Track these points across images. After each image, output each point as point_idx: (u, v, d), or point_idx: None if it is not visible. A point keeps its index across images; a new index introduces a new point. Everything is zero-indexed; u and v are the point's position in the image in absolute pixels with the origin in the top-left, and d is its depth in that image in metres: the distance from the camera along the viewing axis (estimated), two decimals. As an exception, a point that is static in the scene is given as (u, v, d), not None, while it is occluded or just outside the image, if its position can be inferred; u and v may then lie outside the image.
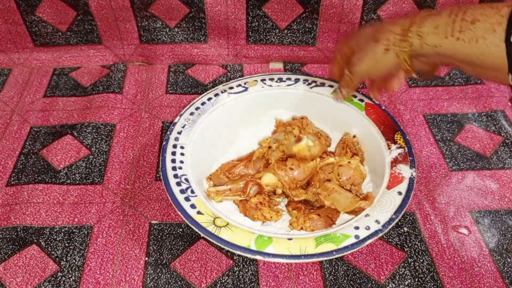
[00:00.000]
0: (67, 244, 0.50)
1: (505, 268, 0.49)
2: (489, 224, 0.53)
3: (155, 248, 0.50)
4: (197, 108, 0.55)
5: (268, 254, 0.41)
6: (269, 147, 0.54)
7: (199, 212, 0.44)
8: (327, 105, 0.59)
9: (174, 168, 0.49)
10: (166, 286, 0.47)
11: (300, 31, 0.73)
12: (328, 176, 0.51)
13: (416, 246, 0.51)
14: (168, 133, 0.52)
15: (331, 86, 0.59)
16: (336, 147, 0.59)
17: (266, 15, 0.72)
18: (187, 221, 0.44)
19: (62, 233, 0.52)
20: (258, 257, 0.41)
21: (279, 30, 0.73)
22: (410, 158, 0.51)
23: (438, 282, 0.48)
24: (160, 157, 0.49)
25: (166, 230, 0.52)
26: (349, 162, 0.52)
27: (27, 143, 0.62)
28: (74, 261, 0.49)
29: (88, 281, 0.47)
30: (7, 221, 0.52)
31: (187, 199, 0.46)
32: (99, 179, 0.57)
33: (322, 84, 0.59)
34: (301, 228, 0.48)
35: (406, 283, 0.48)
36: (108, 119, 0.65)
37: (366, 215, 0.45)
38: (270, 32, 0.74)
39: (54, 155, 0.60)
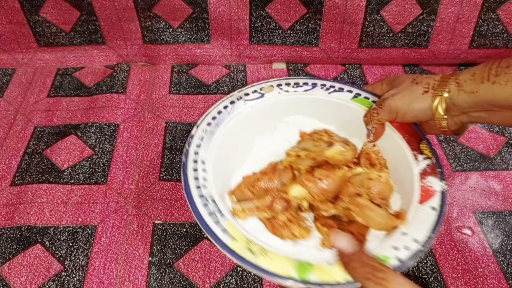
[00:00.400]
0: (71, 244, 0.51)
1: (509, 269, 0.49)
2: (492, 225, 0.53)
3: (158, 248, 0.50)
4: (214, 118, 0.52)
5: (314, 284, 0.38)
6: (298, 156, 0.51)
7: (233, 238, 0.41)
8: (347, 112, 0.56)
9: (198, 187, 0.45)
10: (170, 286, 0.47)
11: (303, 31, 0.73)
12: (358, 190, 0.49)
13: (419, 246, 0.51)
14: (187, 146, 0.48)
15: (350, 91, 0.56)
16: (359, 157, 0.56)
17: (270, 16, 0.72)
18: (220, 248, 0.40)
19: (66, 232, 0.52)
20: (300, 285, 0.39)
21: (282, 31, 0.73)
22: (439, 170, 0.48)
23: (442, 283, 0.48)
24: (181, 173, 0.45)
25: (169, 230, 0.52)
26: (379, 176, 0.50)
27: (31, 143, 0.62)
28: (78, 260, 0.49)
29: (92, 280, 0.47)
30: (12, 220, 0.53)
31: (217, 223, 0.42)
32: (102, 179, 0.57)
33: (341, 89, 0.57)
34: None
35: (410, 283, 0.47)
36: (111, 119, 0.66)
37: (403, 233, 0.42)
38: (273, 33, 0.74)
39: (58, 155, 0.60)
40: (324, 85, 0.57)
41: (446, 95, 0.43)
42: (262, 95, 0.55)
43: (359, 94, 0.56)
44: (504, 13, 0.69)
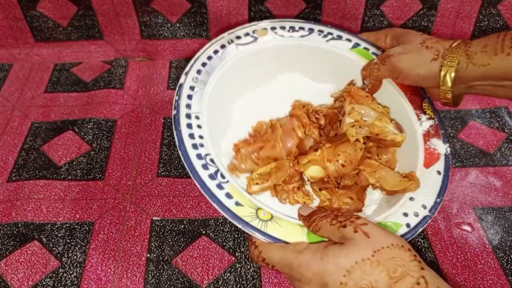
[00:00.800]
0: (68, 240, 0.50)
1: (508, 265, 0.49)
2: (492, 221, 0.53)
3: (156, 244, 0.50)
4: (204, 64, 0.47)
5: None
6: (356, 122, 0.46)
7: (238, 203, 0.37)
8: (347, 64, 0.53)
9: (195, 146, 0.40)
10: (168, 282, 0.47)
11: (303, 26, 0.73)
12: (368, 154, 0.47)
13: (419, 243, 0.51)
14: (176, 97, 0.43)
15: (348, 40, 0.53)
16: (337, 98, 0.52)
17: (269, 10, 0.71)
18: (225, 215, 0.37)
19: (64, 229, 0.51)
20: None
21: (281, 26, 0.73)
22: (442, 131, 0.47)
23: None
24: (175, 131, 0.40)
25: (167, 227, 0.52)
26: (395, 146, 0.47)
27: (28, 138, 0.62)
28: (75, 257, 0.49)
29: (89, 277, 0.47)
30: (8, 217, 0.52)
31: (219, 186, 0.38)
32: (100, 175, 0.57)
33: (339, 37, 0.53)
34: None
35: (409, 280, 0.47)
36: (109, 114, 0.65)
37: (411, 199, 0.42)
38: (272, 28, 0.73)
39: (55, 151, 0.60)
40: (322, 31, 0.53)
41: (454, 66, 0.42)
42: (255, 39, 0.51)
43: (358, 44, 0.53)
44: (505, 8, 0.69)
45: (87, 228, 0.51)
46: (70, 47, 0.75)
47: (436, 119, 0.48)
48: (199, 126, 0.42)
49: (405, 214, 0.40)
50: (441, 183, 0.43)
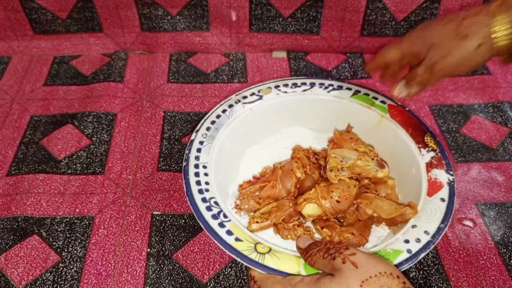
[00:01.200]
0: (68, 235, 0.50)
1: (511, 261, 0.48)
2: (494, 217, 0.52)
3: (157, 239, 0.50)
4: (213, 122, 0.52)
5: None
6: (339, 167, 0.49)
7: (237, 239, 0.41)
8: (348, 110, 0.56)
9: (200, 191, 0.45)
10: (169, 277, 0.47)
11: (304, 19, 0.72)
12: (366, 190, 0.50)
13: (421, 238, 0.50)
14: (187, 152, 0.48)
15: (349, 88, 0.57)
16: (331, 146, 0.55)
17: (270, 3, 0.70)
18: (225, 250, 0.41)
19: (63, 223, 0.51)
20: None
21: (282, 18, 0.72)
22: (445, 161, 0.48)
23: (443, 274, 0.47)
24: (184, 180, 0.45)
25: (168, 221, 0.51)
26: (384, 182, 0.50)
27: (27, 132, 0.61)
28: (75, 252, 0.49)
29: (89, 272, 0.47)
30: (8, 211, 0.52)
31: (221, 225, 0.42)
32: (100, 169, 0.57)
33: (340, 87, 0.57)
34: None
35: (411, 275, 0.47)
36: (109, 108, 0.65)
37: (413, 226, 0.43)
38: (274, 20, 0.72)
39: (55, 144, 0.60)
40: (323, 84, 0.57)
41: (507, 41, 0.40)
42: (261, 97, 0.55)
43: (358, 91, 0.56)
44: (509, 1, 0.68)
45: (87, 222, 0.51)
46: (69, 39, 0.74)
47: (438, 151, 0.50)
48: (206, 174, 0.47)
49: (407, 241, 0.41)
50: (446, 208, 0.44)
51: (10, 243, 0.49)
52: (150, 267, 0.47)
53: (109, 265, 0.48)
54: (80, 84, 0.69)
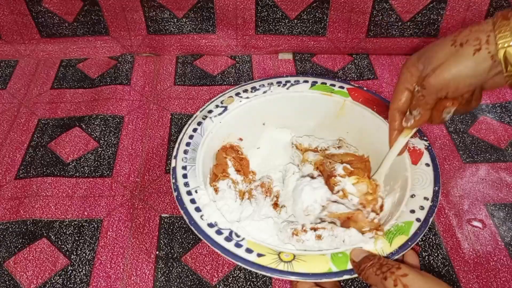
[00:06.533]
0: (77, 238, 0.50)
1: (522, 263, 0.48)
2: (504, 217, 0.52)
3: (165, 241, 0.50)
4: (188, 144, 0.51)
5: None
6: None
7: (259, 255, 0.40)
8: (311, 101, 0.57)
9: (203, 217, 0.43)
10: (178, 280, 0.47)
11: (310, 21, 0.72)
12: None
13: (430, 239, 0.50)
14: (173, 180, 0.46)
15: (306, 81, 0.57)
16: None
17: (276, 5, 0.70)
18: (251, 269, 0.39)
19: (72, 226, 0.51)
20: (346, 277, 0.39)
21: (288, 20, 0.72)
22: (416, 129, 0.49)
23: (454, 276, 0.47)
24: (181, 210, 0.43)
25: (176, 224, 0.51)
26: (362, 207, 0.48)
27: (35, 135, 0.62)
28: (84, 255, 0.49)
29: (98, 275, 0.47)
30: (17, 214, 0.52)
31: (237, 245, 0.40)
32: (108, 172, 0.57)
33: (297, 82, 0.57)
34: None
35: (421, 277, 0.47)
36: (116, 111, 0.65)
37: (412, 196, 0.44)
38: (280, 22, 0.72)
39: (63, 147, 0.60)
40: (280, 82, 0.58)
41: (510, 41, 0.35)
42: (226, 108, 0.55)
43: (315, 82, 0.57)
44: (516, 1, 0.68)
45: (96, 225, 0.51)
46: (76, 43, 0.75)
47: None
48: (200, 199, 0.45)
49: (412, 211, 0.43)
50: (433, 172, 0.46)
51: (19, 246, 0.49)
52: (159, 270, 0.47)
53: (118, 268, 0.48)
54: (87, 87, 0.69)
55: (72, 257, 0.48)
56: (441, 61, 0.39)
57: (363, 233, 0.43)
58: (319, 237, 0.45)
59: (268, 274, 0.39)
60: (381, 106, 0.54)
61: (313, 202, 0.48)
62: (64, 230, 0.51)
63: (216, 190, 0.49)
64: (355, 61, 0.74)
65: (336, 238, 0.43)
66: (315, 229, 0.45)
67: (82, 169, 0.57)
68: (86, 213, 0.52)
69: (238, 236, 0.42)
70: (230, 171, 0.52)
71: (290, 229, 0.46)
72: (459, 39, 0.38)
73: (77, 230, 0.51)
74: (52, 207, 0.53)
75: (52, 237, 0.50)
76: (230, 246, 0.40)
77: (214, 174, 0.52)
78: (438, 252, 0.49)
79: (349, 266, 0.39)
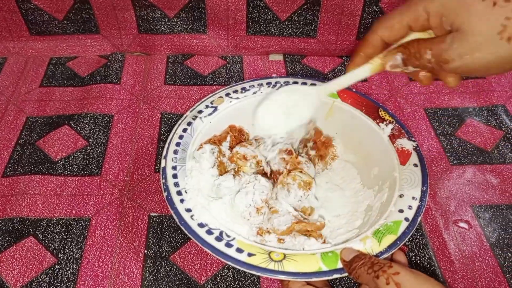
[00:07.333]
0: (64, 236, 0.50)
1: (506, 263, 0.49)
2: (490, 219, 0.53)
3: (154, 240, 0.50)
4: (178, 144, 0.51)
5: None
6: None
7: (250, 254, 0.40)
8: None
9: (193, 218, 0.43)
10: (166, 279, 0.47)
11: (301, 22, 0.72)
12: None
13: (417, 240, 0.51)
14: (163, 180, 0.46)
15: (295, 82, 0.58)
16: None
17: (267, 6, 0.71)
18: (241, 268, 0.39)
19: (60, 225, 0.51)
20: (336, 276, 0.39)
21: (279, 22, 0.72)
22: (404, 130, 0.51)
23: (440, 276, 0.47)
24: (172, 210, 0.43)
25: (165, 223, 0.51)
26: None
27: (23, 133, 0.61)
28: (72, 253, 0.48)
29: (86, 273, 0.47)
30: (3, 212, 0.52)
31: (228, 245, 0.41)
32: (97, 171, 0.56)
33: (286, 83, 0.58)
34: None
35: (407, 277, 0.47)
36: (106, 109, 0.64)
37: (401, 196, 0.45)
38: (271, 24, 0.73)
39: (51, 146, 0.59)
40: (270, 83, 0.59)
41: None
42: (215, 108, 0.55)
43: (305, 83, 0.58)
44: None
45: (84, 224, 0.51)
46: (65, 41, 0.74)
47: (395, 122, 0.53)
48: (191, 199, 0.45)
49: (401, 211, 0.44)
50: (421, 172, 0.47)
51: (6, 244, 0.49)
52: (147, 269, 0.47)
53: (106, 266, 0.47)
54: (76, 86, 0.69)
55: (59, 256, 0.48)
56: (472, 49, 0.30)
57: (323, 242, 0.45)
58: (280, 240, 0.45)
59: (259, 274, 0.39)
60: (370, 107, 0.54)
61: (247, 206, 0.48)
62: (52, 229, 0.50)
63: (199, 148, 0.52)
64: (345, 63, 0.75)
65: (296, 245, 0.44)
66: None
67: (70, 167, 0.57)
68: (74, 212, 0.52)
69: (228, 236, 0.42)
70: (224, 144, 0.54)
71: (255, 228, 0.46)
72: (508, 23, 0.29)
73: (65, 229, 0.50)
74: (40, 205, 0.52)
75: (39, 235, 0.50)
76: (220, 246, 0.41)
77: (208, 139, 0.54)
78: (425, 252, 0.50)
79: (339, 265, 0.39)
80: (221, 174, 0.52)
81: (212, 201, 0.48)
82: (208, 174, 0.50)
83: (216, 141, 0.55)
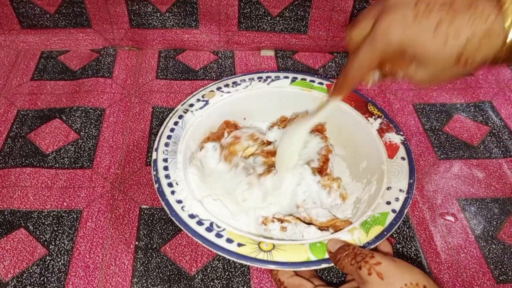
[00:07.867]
0: (55, 228, 0.50)
1: (490, 254, 0.50)
2: (475, 212, 0.54)
3: (145, 232, 0.50)
4: (169, 137, 0.51)
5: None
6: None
7: (240, 244, 0.40)
8: (292, 97, 0.58)
9: (184, 209, 0.44)
10: (157, 270, 0.47)
11: (292, 18, 0.73)
12: None
13: (404, 232, 0.52)
14: (154, 172, 0.46)
15: (286, 77, 0.59)
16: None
17: (259, 2, 0.71)
18: (231, 258, 0.40)
19: (51, 217, 0.51)
20: (324, 265, 0.40)
21: (271, 17, 0.73)
22: (393, 124, 0.53)
23: (426, 267, 0.49)
24: (162, 202, 0.44)
25: (156, 215, 0.52)
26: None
27: (14, 126, 0.61)
28: (63, 245, 0.49)
29: (77, 265, 0.47)
30: (-6, 204, 0.52)
31: (218, 235, 0.41)
32: (88, 164, 0.57)
33: (277, 78, 0.59)
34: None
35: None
36: (97, 103, 0.65)
37: (388, 188, 0.46)
38: (262, 19, 0.73)
39: (42, 138, 0.59)
40: (261, 77, 0.59)
41: None
42: (207, 102, 0.56)
43: (295, 78, 0.59)
44: None
45: (75, 216, 0.51)
46: (57, 34, 0.74)
47: (383, 116, 0.54)
48: (182, 190, 0.46)
49: (388, 203, 0.45)
50: (408, 165, 0.48)
51: (-3, 236, 0.49)
52: (138, 260, 0.48)
53: (97, 258, 0.48)
54: (68, 79, 0.69)
55: (50, 247, 0.48)
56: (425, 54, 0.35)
57: (321, 229, 0.45)
58: (283, 228, 0.46)
59: (249, 263, 0.39)
60: (359, 102, 0.55)
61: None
62: (43, 221, 0.51)
63: (201, 148, 0.53)
64: (336, 59, 0.76)
65: (296, 233, 0.45)
66: (281, 221, 0.47)
67: (62, 160, 0.57)
68: (65, 204, 0.52)
69: (218, 226, 0.42)
70: (222, 140, 0.55)
71: (260, 217, 0.47)
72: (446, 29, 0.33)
73: (56, 221, 0.51)
74: (31, 197, 0.53)
75: (30, 227, 0.50)
76: (211, 236, 0.41)
77: (207, 137, 0.56)
78: (412, 244, 0.51)
79: (327, 255, 0.40)
80: (230, 163, 0.53)
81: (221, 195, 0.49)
82: (216, 171, 0.52)
83: (215, 138, 0.56)
